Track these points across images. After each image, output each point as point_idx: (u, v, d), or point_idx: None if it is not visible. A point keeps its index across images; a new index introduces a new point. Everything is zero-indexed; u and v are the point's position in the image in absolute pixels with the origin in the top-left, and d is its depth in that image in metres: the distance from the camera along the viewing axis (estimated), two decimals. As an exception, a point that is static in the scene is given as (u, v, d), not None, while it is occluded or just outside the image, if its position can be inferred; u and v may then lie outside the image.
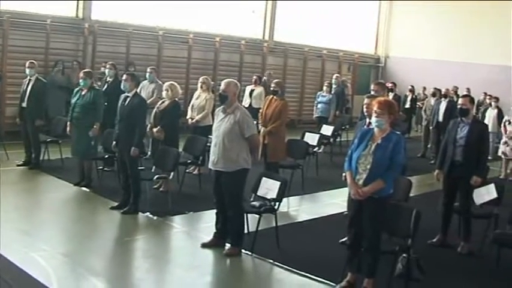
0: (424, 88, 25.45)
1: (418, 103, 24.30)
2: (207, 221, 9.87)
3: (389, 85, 19.59)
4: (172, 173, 11.10)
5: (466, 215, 9.76)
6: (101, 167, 12.41)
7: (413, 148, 19.53)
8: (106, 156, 12.35)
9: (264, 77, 20.65)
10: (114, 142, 10.67)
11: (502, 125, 17.01)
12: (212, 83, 14.87)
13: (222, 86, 8.72)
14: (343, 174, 7.66)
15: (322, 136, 15.98)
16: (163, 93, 12.11)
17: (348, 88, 23.47)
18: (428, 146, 19.25)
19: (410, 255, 7.74)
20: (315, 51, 26.25)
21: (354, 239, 7.56)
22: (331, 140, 17.54)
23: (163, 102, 12.07)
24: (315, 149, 14.87)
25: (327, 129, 17.10)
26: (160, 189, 11.75)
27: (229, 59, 22.75)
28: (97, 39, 18.73)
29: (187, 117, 13.72)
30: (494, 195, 9.67)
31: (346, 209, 8.55)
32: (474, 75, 25.06)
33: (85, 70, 12.51)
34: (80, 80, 11.80)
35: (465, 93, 17.40)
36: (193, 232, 10.01)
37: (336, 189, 12.46)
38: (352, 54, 28.21)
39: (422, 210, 7.95)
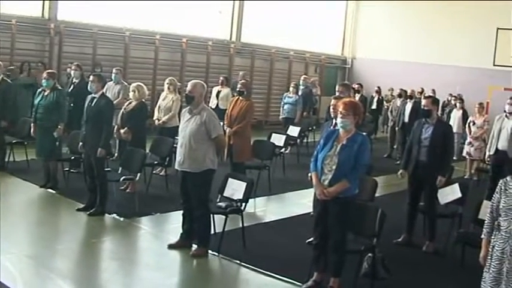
0: (392, 89, 25.62)
1: (385, 104, 24.48)
2: (174, 222, 9.86)
3: (356, 86, 19.72)
4: (138, 174, 11.06)
5: (430, 214, 9.89)
6: (67, 169, 12.35)
7: (379, 149, 19.72)
8: (72, 157, 12.29)
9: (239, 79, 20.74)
10: (80, 143, 10.62)
11: (467, 125, 17.19)
12: (179, 84, 14.86)
13: (189, 87, 8.74)
14: (309, 174, 7.72)
15: (289, 137, 16.04)
16: (130, 94, 12.11)
17: (317, 88, 23.56)
18: (395, 146, 19.38)
19: (376, 255, 7.82)
20: (282, 52, 26.30)
21: (320, 239, 7.62)
22: (298, 140, 17.64)
23: (130, 103, 12.07)
24: (281, 150, 14.94)
25: (294, 130, 17.17)
26: (127, 190, 11.72)
27: (196, 60, 22.69)
28: (63, 39, 18.61)
29: (154, 118, 13.71)
30: (458, 194, 9.76)
31: (312, 210, 8.59)
32: (440, 77, 25.26)
33: (48, 71, 12.42)
34: (43, 81, 11.71)
35: (429, 94, 17.58)
36: (160, 233, 10.02)
37: (302, 189, 12.48)
38: (318, 56, 28.29)
39: (387, 210, 8.07)
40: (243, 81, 13.20)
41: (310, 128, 19.42)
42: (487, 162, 14.31)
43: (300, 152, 17.26)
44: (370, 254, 7.83)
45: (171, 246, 9.01)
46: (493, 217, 6.25)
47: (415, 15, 26.79)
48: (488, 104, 21.19)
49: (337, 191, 7.25)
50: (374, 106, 23.91)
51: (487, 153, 13.60)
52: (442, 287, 8.47)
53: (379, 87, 24.62)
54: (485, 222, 6.40)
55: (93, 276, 8.07)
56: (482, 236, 6.40)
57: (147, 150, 12.20)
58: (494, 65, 23.96)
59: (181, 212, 9.09)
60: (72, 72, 14.11)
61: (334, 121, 8.87)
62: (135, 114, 11.81)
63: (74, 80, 13.76)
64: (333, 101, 9.30)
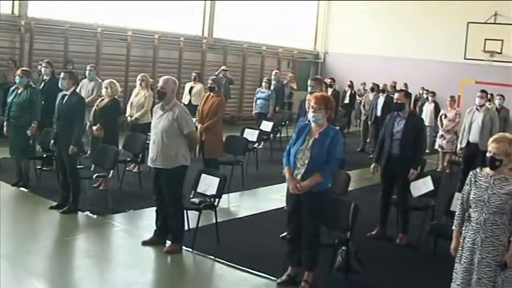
0: (364, 84, 25.73)
1: (357, 98, 24.57)
2: (148, 219, 9.83)
3: (328, 81, 19.78)
4: (111, 171, 11.02)
5: (403, 207, 9.96)
6: (39, 167, 12.27)
7: (352, 143, 19.85)
8: (44, 155, 12.23)
9: (222, 74, 20.87)
10: (52, 141, 10.54)
11: (439, 118, 17.33)
12: (151, 80, 14.83)
13: (160, 83, 8.74)
14: (283, 170, 7.75)
15: (262, 132, 16.06)
16: (103, 91, 12.07)
17: (294, 83, 23.51)
18: (368, 140, 19.47)
19: (350, 248, 7.87)
20: (254, 47, 26.32)
21: (294, 233, 7.65)
22: (271, 135, 17.68)
23: (102, 100, 12.03)
24: (254, 145, 14.96)
25: (267, 125, 17.23)
26: (100, 187, 11.68)
27: (168, 56, 22.66)
28: (34, 36, 18.48)
29: (127, 114, 13.67)
30: (430, 187, 9.86)
31: (285, 204, 8.61)
32: (413, 71, 25.40)
33: (23, 68, 12.35)
34: (16, 78, 11.63)
35: (401, 88, 17.71)
36: (134, 230, 9.96)
37: (276, 184, 12.53)
38: (291, 51, 28.32)
39: (361, 203, 8.14)
40: (213, 77, 13.20)
41: (283, 123, 19.50)
42: (458, 155, 14.45)
43: (273, 147, 17.30)
44: (343, 248, 7.89)
45: (145, 243, 8.99)
46: (463, 208, 6.32)
47: (387, 10, 26.81)
48: (459, 97, 21.38)
49: (310, 185, 7.28)
50: (347, 100, 24.05)
51: (459, 146, 13.73)
52: (415, 278, 8.52)
53: (351, 82, 24.75)
54: (456, 213, 6.47)
55: (67, 275, 8.04)
56: (453, 227, 6.46)
57: (120, 147, 12.15)
58: (465, 59, 24.14)
59: (155, 208, 9.07)
60: (42, 70, 14.02)
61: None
62: (107, 111, 11.77)
63: (45, 77, 13.65)
64: (308, 96, 9.33)
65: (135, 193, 11.94)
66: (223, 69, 21.72)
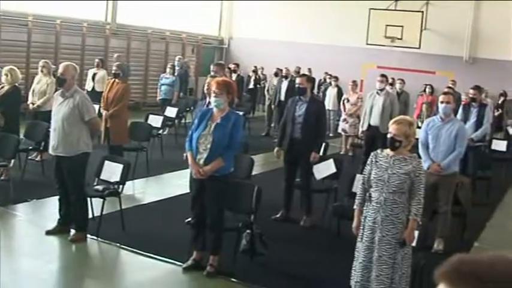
0: (262, 68, 25.95)
1: (261, 83, 24.76)
2: (51, 208, 9.66)
3: (233, 66, 19.88)
4: (12, 161, 10.82)
5: (306, 190, 10.15)
6: None
7: (257, 127, 19.97)
8: None
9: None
10: (-51, 131, 10.29)
11: (341, 103, 17.64)
12: (53, 66, 14.58)
13: (60, 70, 8.64)
14: (184, 154, 7.79)
15: (166, 118, 16.08)
16: (3, 78, 11.80)
17: (190, 69, 23.47)
18: (272, 125, 19.65)
19: (254, 231, 7.98)
20: (159, 33, 26.14)
21: (198, 218, 7.70)
22: (175, 121, 17.68)
23: (2, 87, 11.76)
24: (159, 131, 14.94)
25: (171, 111, 17.20)
26: (1, 177, 11.43)
27: (71, 42, 22.22)
28: None
29: (28, 102, 13.42)
30: (333, 170, 10.08)
31: (189, 189, 8.66)
32: (317, 56, 25.72)
33: None
34: None
35: (304, 72, 17.93)
36: (37, 220, 9.81)
37: (181, 170, 12.52)
38: (195, 36, 28.26)
39: (265, 187, 8.28)
40: (118, 63, 13.11)
41: (187, 109, 19.47)
42: (360, 138, 14.77)
43: (178, 133, 17.26)
44: (248, 231, 7.99)
45: (48, 233, 8.84)
46: (364, 188, 6.52)
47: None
48: (362, 81, 21.79)
49: (213, 170, 7.34)
50: (251, 85, 24.19)
51: (360, 129, 14.03)
52: (319, 258, 8.68)
53: (255, 67, 24.89)
54: (358, 193, 6.67)
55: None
56: (355, 206, 6.66)
57: (22, 136, 11.94)
58: (367, 44, 24.58)
59: (58, 197, 8.96)
60: None
61: (208, 99, 9.00)
62: (8, 99, 11.52)
63: None
64: (208, 79, 9.39)
65: (37, 182, 11.71)
66: (118, 55, 21.44)
